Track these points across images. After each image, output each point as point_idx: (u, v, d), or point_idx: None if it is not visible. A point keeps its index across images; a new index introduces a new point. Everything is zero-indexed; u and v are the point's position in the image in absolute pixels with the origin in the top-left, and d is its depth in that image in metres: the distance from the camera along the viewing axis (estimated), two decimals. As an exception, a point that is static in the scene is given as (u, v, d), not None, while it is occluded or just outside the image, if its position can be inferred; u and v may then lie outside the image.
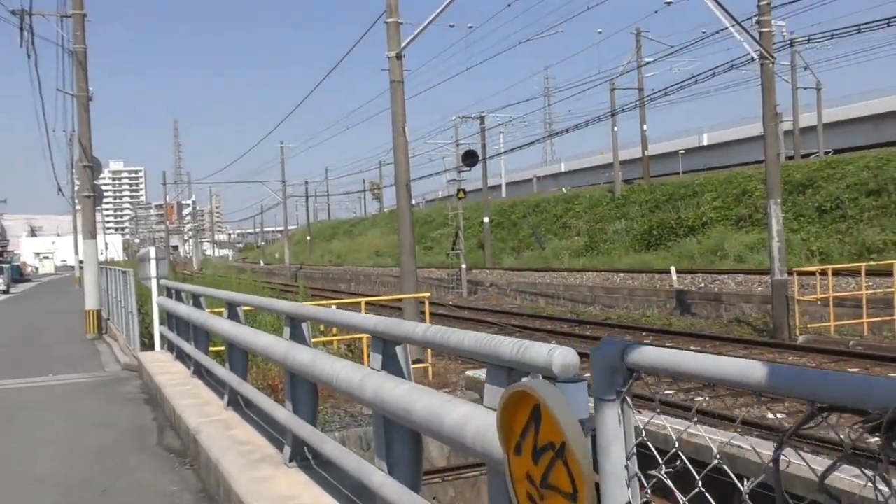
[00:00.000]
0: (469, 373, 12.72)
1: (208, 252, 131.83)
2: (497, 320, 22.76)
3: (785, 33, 17.33)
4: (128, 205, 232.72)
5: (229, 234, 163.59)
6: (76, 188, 19.89)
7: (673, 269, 24.85)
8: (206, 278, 25.66)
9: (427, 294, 13.48)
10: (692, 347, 15.84)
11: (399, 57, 14.06)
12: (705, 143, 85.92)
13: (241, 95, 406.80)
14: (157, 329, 11.13)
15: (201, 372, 8.14)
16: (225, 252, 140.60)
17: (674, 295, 23.61)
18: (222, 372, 6.55)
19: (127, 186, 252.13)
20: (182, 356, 9.31)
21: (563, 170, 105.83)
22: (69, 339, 18.40)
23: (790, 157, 52.05)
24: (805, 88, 48.41)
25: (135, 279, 11.73)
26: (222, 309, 9.70)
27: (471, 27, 16.10)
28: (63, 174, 37.74)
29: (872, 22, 22.86)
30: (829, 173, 31.26)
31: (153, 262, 10.98)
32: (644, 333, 18.37)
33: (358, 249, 67.13)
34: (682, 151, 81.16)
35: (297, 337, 5.09)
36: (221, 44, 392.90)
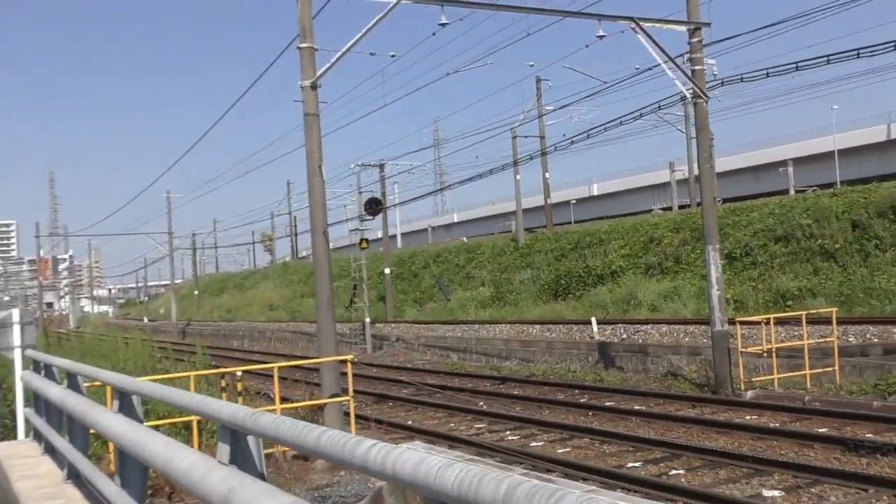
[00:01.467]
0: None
1: (86, 308, 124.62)
2: (411, 379, 21.03)
3: (716, 72, 16.63)
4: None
5: (109, 290, 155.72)
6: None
7: (594, 319, 23.80)
8: (86, 340, 22.91)
9: (350, 356, 11.71)
10: (635, 406, 14.57)
11: (314, 87, 12.44)
12: (595, 193, 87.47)
13: (124, 144, 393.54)
14: (20, 412, 8.95)
15: (79, 478, 6.15)
16: (105, 308, 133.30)
17: (595, 347, 22.50)
18: (111, 490, 4.65)
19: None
20: (53, 450, 7.24)
21: (455, 220, 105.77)
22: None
23: (686, 206, 52.89)
24: (695, 138, 49.23)
25: (-7, 350, 9.55)
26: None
27: (393, 56, 14.66)
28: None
29: (779, 66, 22.77)
30: (734, 220, 31.18)
31: (16, 329, 8.87)
32: (577, 391, 17.03)
33: (250, 303, 64.13)
34: (574, 201, 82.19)
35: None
36: (102, 87, 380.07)
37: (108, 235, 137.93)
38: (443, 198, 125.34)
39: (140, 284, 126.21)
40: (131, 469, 4.61)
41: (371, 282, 49.70)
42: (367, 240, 31.36)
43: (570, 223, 63.52)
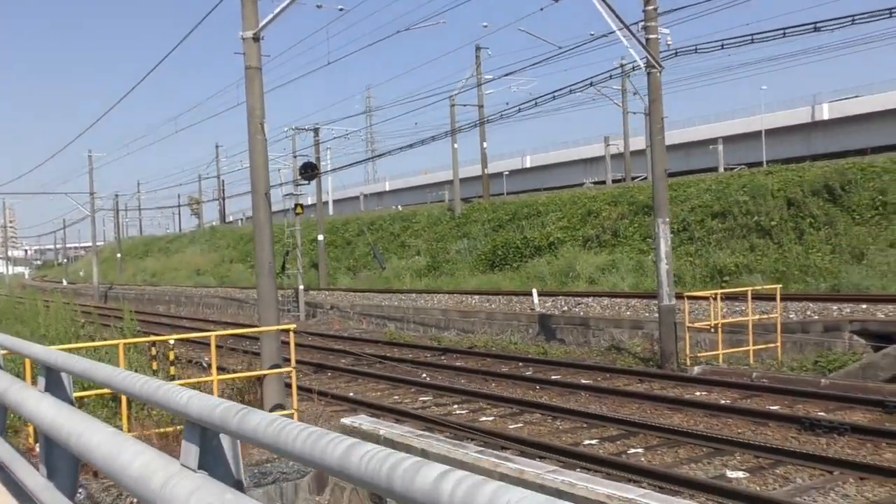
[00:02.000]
0: (346, 420, 10.40)
1: (1, 270, 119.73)
2: (351, 348, 20.45)
3: (670, 42, 16.31)
4: None
5: (26, 251, 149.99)
6: None
7: (534, 291, 23.53)
8: (1, 302, 21.54)
9: (292, 325, 11.03)
10: (582, 380, 14.31)
11: (256, 39, 11.61)
12: (528, 165, 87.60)
13: (45, 96, 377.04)
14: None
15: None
16: (20, 269, 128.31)
17: (536, 319, 22.25)
18: (37, 482, 3.97)
19: None
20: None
21: (387, 188, 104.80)
22: None
23: (620, 180, 53.22)
24: (634, 113, 49.45)
25: None
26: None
27: (341, 9, 13.84)
28: None
29: (734, 38, 22.56)
30: (672, 195, 31.18)
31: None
32: (521, 364, 16.70)
33: (176, 268, 62.32)
34: (507, 173, 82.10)
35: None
36: (26, 35, 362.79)
37: (24, 194, 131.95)
38: (374, 166, 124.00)
39: (59, 246, 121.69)
40: (60, 458, 3.95)
41: (303, 248, 48.68)
42: (301, 205, 30.44)
43: (502, 194, 63.36)
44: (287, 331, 11.02)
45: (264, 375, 11.44)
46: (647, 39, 15.35)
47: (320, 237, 40.45)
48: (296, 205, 30.23)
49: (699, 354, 15.32)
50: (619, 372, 14.97)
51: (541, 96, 31.13)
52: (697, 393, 12.63)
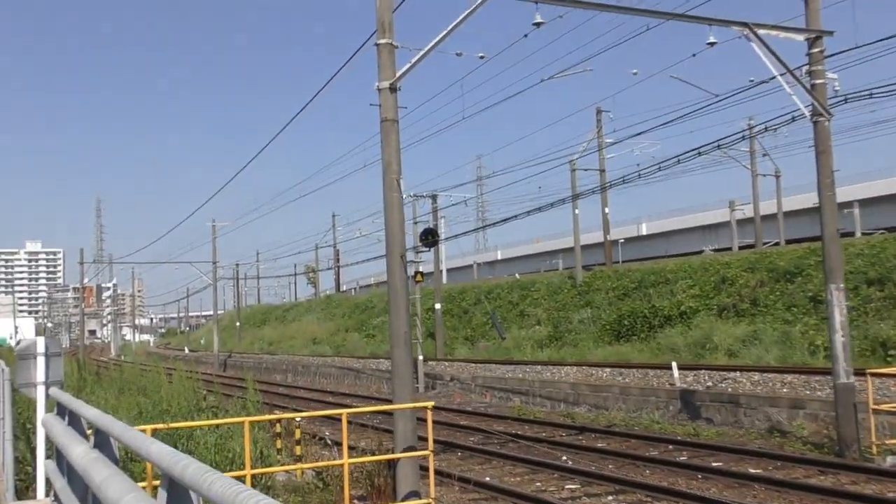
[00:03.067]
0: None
1: (128, 337, 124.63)
2: (479, 424, 19.11)
3: (838, 87, 14.72)
4: (43, 288, 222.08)
5: (151, 319, 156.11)
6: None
7: (674, 364, 21.69)
8: (125, 371, 21.37)
9: (430, 403, 9.86)
10: (750, 469, 12.50)
11: (393, 89, 10.80)
12: (644, 232, 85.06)
13: (171, 171, 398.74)
14: (41, 465, 7.28)
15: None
16: (146, 337, 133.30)
17: (677, 395, 20.39)
18: None
19: (44, 268, 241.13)
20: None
21: (499, 257, 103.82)
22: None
23: (747, 247, 50.44)
24: (764, 175, 47.03)
25: (10, 385, 7.90)
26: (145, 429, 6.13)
27: (482, 57, 12.99)
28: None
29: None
30: (816, 260, 28.89)
31: (40, 361, 7.24)
32: (671, 447, 14.97)
33: (292, 336, 62.70)
34: (622, 241, 79.83)
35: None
36: (149, 113, 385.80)
37: (151, 263, 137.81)
38: (485, 234, 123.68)
39: (181, 314, 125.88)
40: None
41: (419, 318, 47.99)
42: (422, 273, 29.64)
43: (617, 262, 61.26)
44: (425, 409, 9.87)
45: (398, 459, 10.26)
46: (813, 85, 13.85)
47: (438, 306, 39.60)
48: (416, 272, 29.44)
49: (887, 441, 13.26)
50: (791, 460, 13.06)
51: (665, 160, 29.68)
52: (899, 490, 10.68)
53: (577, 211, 41.39)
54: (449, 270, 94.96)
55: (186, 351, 75.78)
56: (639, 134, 34.91)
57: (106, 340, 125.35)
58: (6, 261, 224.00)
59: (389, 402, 26.92)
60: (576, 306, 37.73)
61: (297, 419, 10.48)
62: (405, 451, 10.34)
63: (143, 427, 7.84)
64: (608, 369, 24.89)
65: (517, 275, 58.51)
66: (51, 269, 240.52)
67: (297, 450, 10.55)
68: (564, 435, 17.23)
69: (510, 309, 42.41)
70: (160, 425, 8.32)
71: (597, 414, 21.15)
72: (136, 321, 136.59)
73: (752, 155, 45.77)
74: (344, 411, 9.34)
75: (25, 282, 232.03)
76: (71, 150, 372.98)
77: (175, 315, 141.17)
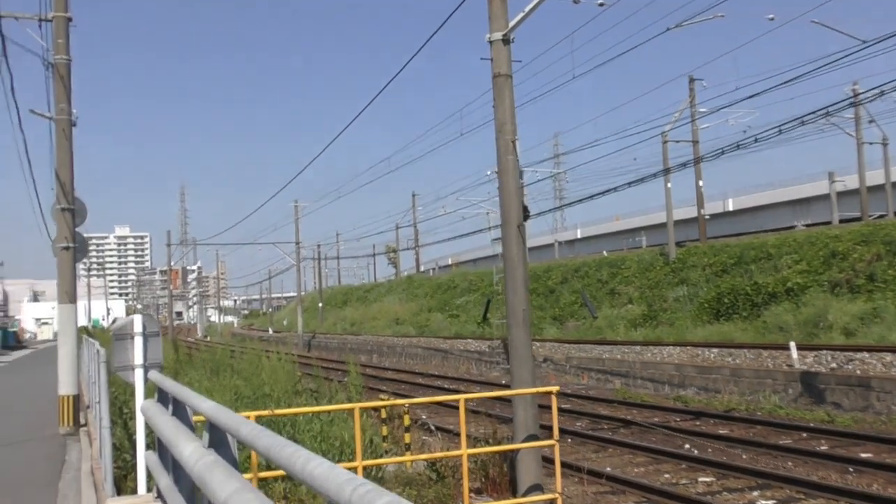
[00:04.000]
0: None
1: (213, 318, 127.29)
2: (582, 408, 18.02)
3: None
4: (132, 271, 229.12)
5: (235, 301, 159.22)
6: (54, 237, 15.46)
7: (793, 345, 20.14)
8: (218, 353, 20.93)
9: (555, 387, 8.84)
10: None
11: (507, 41, 9.74)
12: (731, 208, 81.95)
13: (253, 157, 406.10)
14: (141, 457, 6.54)
15: None
16: (229, 318, 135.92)
17: (796, 377, 18.89)
18: None
19: (132, 252, 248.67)
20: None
21: (579, 236, 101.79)
22: (35, 432, 13.78)
23: (850, 220, 47.70)
24: (871, 143, 44.24)
25: (107, 368, 7.20)
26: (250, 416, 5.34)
27: (602, 5, 11.78)
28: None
29: None
30: (933, 237, 26.78)
31: (138, 341, 6.49)
32: (805, 435, 13.60)
33: (374, 317, 62.42)
34: (708, 217, 77.01)
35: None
36: (234, 96, 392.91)
37: (235, 244, 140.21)
38: (563, 213, 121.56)
39: (264, 296, 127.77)
40: None
41: (502, 298, 46.91)
42: (511, 250, 28.52)
43: (710, 239, 58.91)
44: (548, 394, 8.87)
45: (519, 449, 9.29)
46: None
47: (524, 285, 38.46)
48: (505, 249, 28.37)
49: None
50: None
51: (764, 130, 27.70)
52: None
53: (669, 185, 39.66)
54: (531, 249, 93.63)
55: (270, 332, 76.58)
56: (746, 98, 32.75)
57: (192, 322, 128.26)
58: (97, 245, 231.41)
59: (483, 383, 26.16)
60: (670, 284, 36.12)
61: (405, 405, 9.56)
62: (527, 440, 9.36)
63: (246, 413, 7.06)
64: (714, 350, 23.43)
65: (605, 252, 56.90)
66: (139, 253, 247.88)
67: (407, 437, 9.68)
68: (680, 420, 16.01)
69: (599, 287, 40.98)
70: (264, 412, 7.52)
71: (709, 397, 19.82)
72: (220, 303, 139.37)
73: (857, 121, 43.06)
74: (461, 396, 8.39)
75: (115, 265, 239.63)
76: (157, 134, 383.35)
77: (257, 297, 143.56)
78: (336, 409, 8.82)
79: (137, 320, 6.61)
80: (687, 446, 13.15)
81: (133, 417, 8.54)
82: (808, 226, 52.81)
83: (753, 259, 33.25)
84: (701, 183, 40.56)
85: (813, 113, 25.36)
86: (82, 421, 14.90)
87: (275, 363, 13.07)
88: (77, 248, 15.43)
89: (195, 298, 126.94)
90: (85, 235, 16.60)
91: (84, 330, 42.06)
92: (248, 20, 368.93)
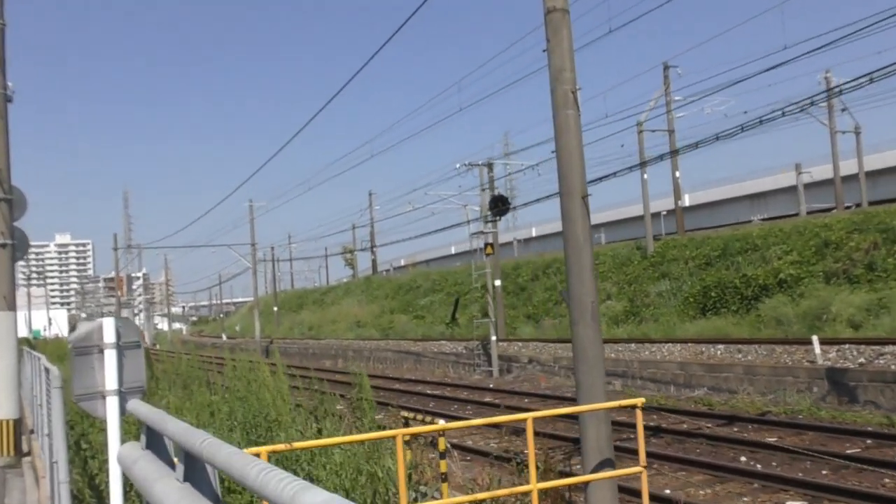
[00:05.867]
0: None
1: (160, 326, 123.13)
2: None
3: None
4: (74, 279, 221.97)
5: (183, 307, 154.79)
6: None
7: (815, 339, 18.62)
8: (183, 364, 18.52)
9: (640, 400, 6.98)
10: None
11: (561, -30, 7.82)
12: (687, 204, 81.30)
13: (199, 162, 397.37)
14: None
15: None
16: (178, 326, 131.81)
17: (821, 374, 17.36)
18: None
19: (74, 260, 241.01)
20: None
21: (534, 234, 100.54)
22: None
23: (818, 211, 46.92)
24: (843, 132, 43.45)
25: (60, 395, 5.06)
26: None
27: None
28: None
29: None
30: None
31: (110, 356, 4.45)
32: (868, 441, 11.97)
33: (334, 320, 60.04)
34: (664, 213, 76.38)
35: None
36: (181, 98, 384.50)
37: (185, 248, 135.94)
38: (515, 213, 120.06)
39: (213, 302, 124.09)
40: None
41: (470, 297, 45.03)
42: (492, 245, 26.69)
43: (660, 235, 57.91)
44: (633, 407, 7.00)
45: (588, 480, 7.38)
46: None
47: (497, 282, 36.65)
48: (486, 244, 26.53)
49: None
50: None
51: (749, 122, 26.25)
52: None
53: (645, 176, 38.22)
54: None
55: (224, 338, 73.60)
56: (723, 87, 31.47)
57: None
58: (37, 254, 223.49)
59: (468, 388, 24.18)
60: (650, 278, 34.65)
61: (441, 430, 7.54)
62: (599, 466, 7.45)
63: (255, 450, 5.03)
64: (720, 346, 21.87)
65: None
66: (81, 261, 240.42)
67: (443, 465, 7.73)
68: (712, 426, 14.29)
69: (574, 284, 39.35)
70: (280, 446, 5.48)
71: (723, 398, 18.19)
72: (169, 309, 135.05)
73: (829, 110, 42.22)
74: (529, 415, 6.46)
75: (56, 274, 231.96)
76: (96, 138, 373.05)
77: (206, 303, 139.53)
78: (376, 438, 6.81)
79: (108, 326, 4.52)
80: (743, 458, 11.40)
81: (95, 456, 6.41)
82: (763, 220, 52.02)
83: (739, 251, 31.95)
84: (678, 174, 39.27)
85: (797, 103, 23.94)
86: (25, 449, 12.59)
87: (266, 377, 10.90)
88: (16, 246, 13.11)
89: (141, 306, 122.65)
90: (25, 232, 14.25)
91: (26, 342, 38.97)
92: (200, 19, 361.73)
